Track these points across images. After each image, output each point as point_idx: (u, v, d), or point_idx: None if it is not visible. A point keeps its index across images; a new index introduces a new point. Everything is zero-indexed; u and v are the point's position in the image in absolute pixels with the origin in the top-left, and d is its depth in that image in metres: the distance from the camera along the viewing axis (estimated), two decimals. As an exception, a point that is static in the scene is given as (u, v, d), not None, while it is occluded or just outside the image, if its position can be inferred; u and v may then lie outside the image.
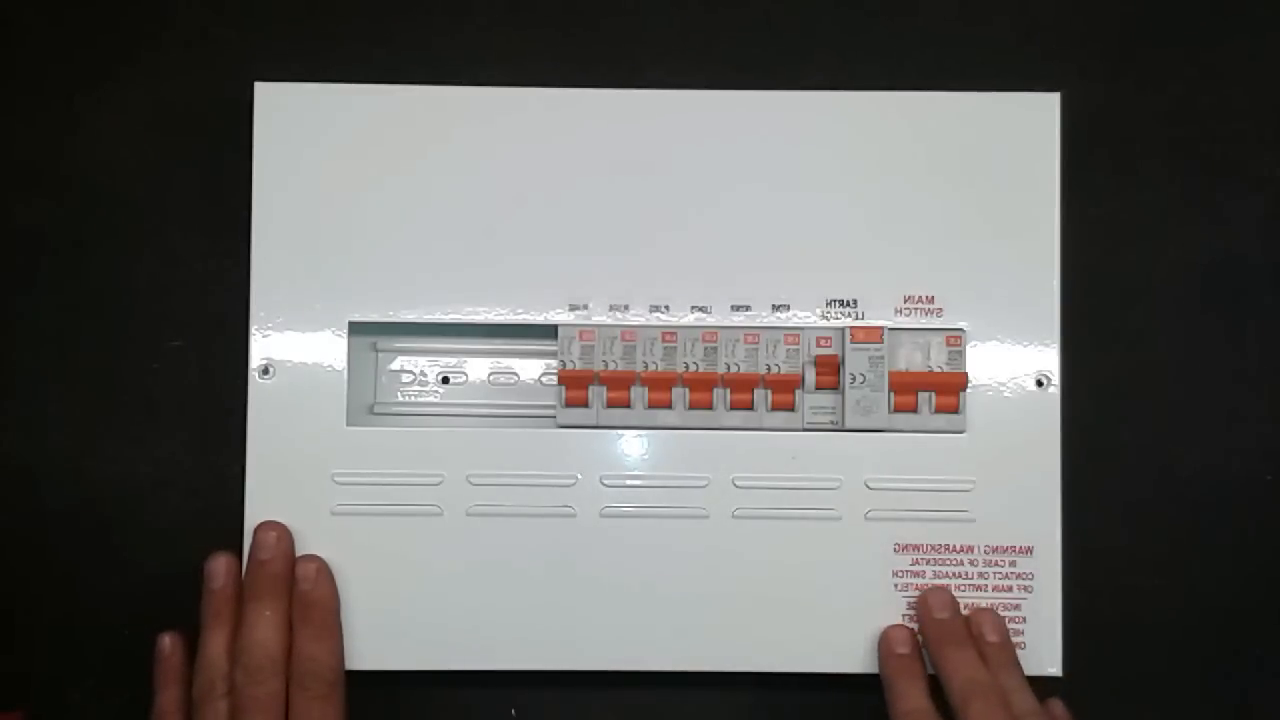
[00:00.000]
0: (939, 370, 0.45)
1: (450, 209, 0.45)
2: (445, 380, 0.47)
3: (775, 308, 0.45)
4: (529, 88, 0.45)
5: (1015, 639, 0.44)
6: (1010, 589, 0.44)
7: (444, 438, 0.45)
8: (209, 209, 0.47)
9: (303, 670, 0.41)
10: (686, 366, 0.45)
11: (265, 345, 0.44)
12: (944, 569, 0.44)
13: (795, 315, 0.45)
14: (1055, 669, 0.44)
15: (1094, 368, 0.47)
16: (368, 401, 0.46)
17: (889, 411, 0.44)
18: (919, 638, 0.44)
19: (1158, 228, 0.48)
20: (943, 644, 0.42)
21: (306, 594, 0.42)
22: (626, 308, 0.45)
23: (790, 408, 0.45)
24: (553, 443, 0.45)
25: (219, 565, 0.43)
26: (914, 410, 0.45)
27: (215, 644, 0.41)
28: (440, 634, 0.44)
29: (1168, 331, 0.48)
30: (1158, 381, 0.48)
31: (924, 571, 0.44)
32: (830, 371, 0.45)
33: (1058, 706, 0.43)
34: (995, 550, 0.44)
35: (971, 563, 0.44)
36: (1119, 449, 0.47)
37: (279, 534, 0.43)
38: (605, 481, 0.44)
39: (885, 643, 0.43)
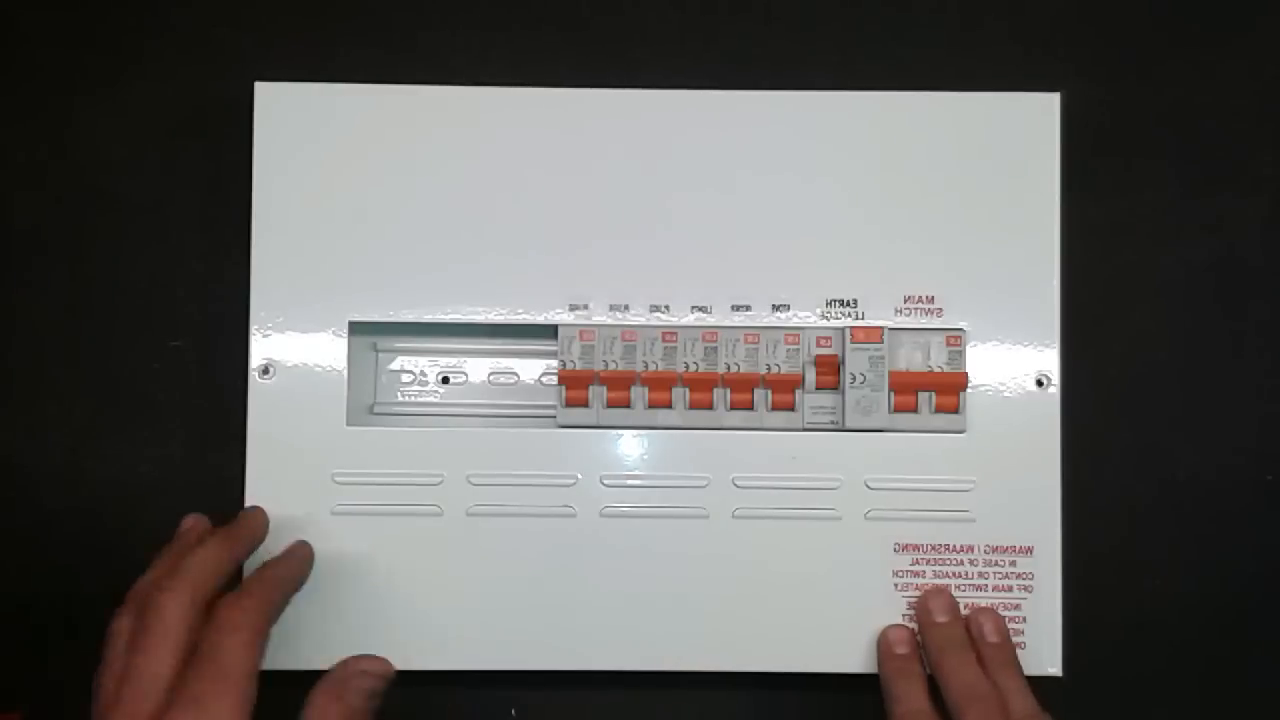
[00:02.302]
0: (939, 370, 0.45)
1: (450, 209, 0.45)
2: (445, 380, 0.47)
3: (775, 308, 0.45)
4: (529, 88, 0.45)
5: (1015, 639, 0.44)
6: (1010, 589, 0.44)
7: (444, 438, 0.45)
8: (209, 209, 0.47)
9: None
10: (686, 366, 0.45)
11: (265, 345, 0.44)
12: (944, 569, 0.44)
13: (795, 315, 0.45)
14: (1055, 669, 0.44)
15: (1094, 368, 0.47)
16: (368, 401, 0.46)
17: (889, 411, 0.44)
18: (918, 638, 0.44)
19: (1158, 228, 0.48)
20: (942, 650, 0.42)
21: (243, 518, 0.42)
22: (626, 308, 0.45)
23: (790, 408, 0.45)
24: (553, 443, 0.45)
25: (189, 521, 0.42)
26: (914, 410, 0.45)
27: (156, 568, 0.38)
28: (440, 634, 0.44)
29: (1168, 331, 0.48)
30: (1158, 382, 0.48)
31: (924, 571, 0.44)
32: (830, 371, 0.45)
33: None
34: (995, 550, 0.44)
35: (971, 563, 0.44)
36: (1119, 449, 0.47)
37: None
38: (605, 481, 0.44)
39: (884, 643, 0.43)
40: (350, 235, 0.44)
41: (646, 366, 0.45)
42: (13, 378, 0.47)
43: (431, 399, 0.47)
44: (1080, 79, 0.47)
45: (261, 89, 0.45)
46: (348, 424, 0.44)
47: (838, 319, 0.45)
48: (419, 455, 0.44)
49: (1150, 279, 0.48)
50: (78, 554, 0.47)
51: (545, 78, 0.46)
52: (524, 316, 0.45)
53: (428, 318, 0.45)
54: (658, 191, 0.45)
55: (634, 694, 0.47)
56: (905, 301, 0.45)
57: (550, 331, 0.45)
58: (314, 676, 0.45)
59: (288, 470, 0.44)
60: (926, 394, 0.45)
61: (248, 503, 0.44)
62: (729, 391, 0.45)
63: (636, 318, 0.45)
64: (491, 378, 0.47)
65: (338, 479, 0.44)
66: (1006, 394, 0.45)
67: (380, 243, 0.44)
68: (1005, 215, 0.45)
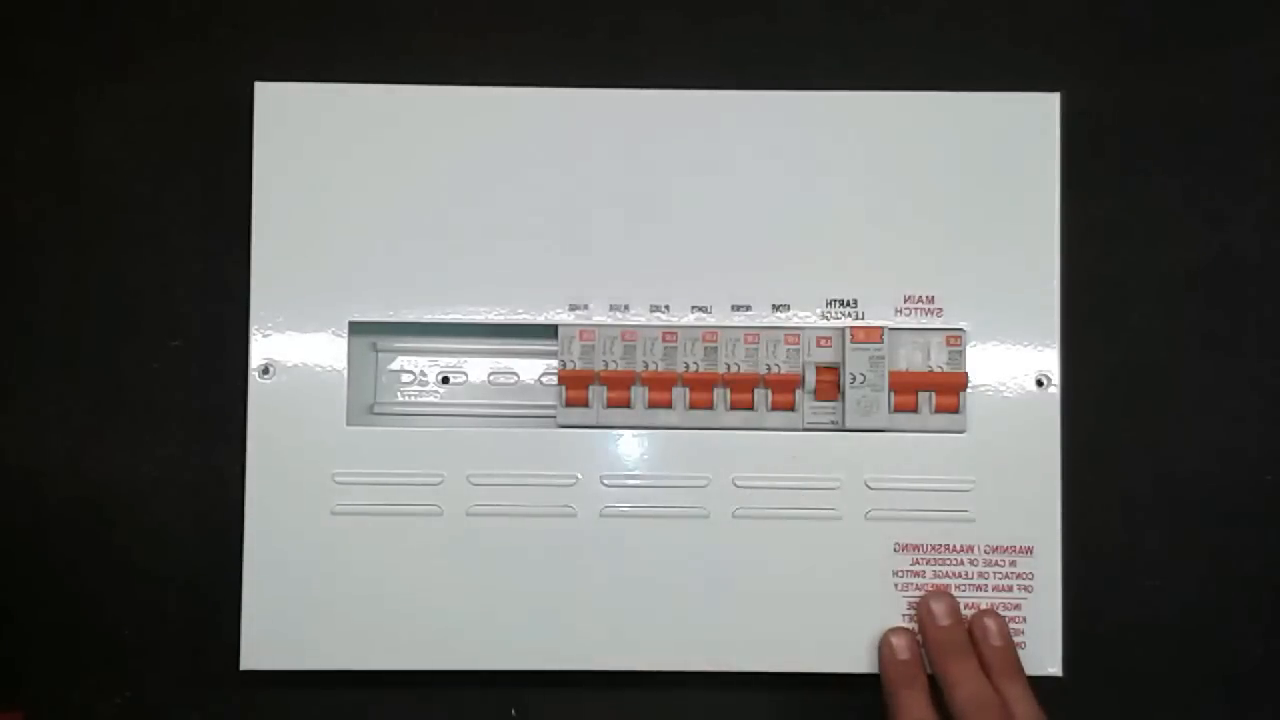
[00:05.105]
0: (939, 370, 0.45)
1: (450, 209, 0.45)
2: (445, 380, 0.47)
3: (775, 308, 0.45)
4: (529, 88, 0.45)
5: (1015, 639, 0.44)
6: (1010, 589, 0.44)
7: (444, 438, 0.45)
8: (209, 209, 0.47)
9: None
10: (686, 366, 0.45)
11: (265, 345, 0.44)
12: (944, 569, 0.44)
13: (795, 315, 0.45)
14: (1055, 669, 0.44)
15: (1094, 368, 0.47)
16: (368, 401, 0.46)
17: (889, 411, 0.44)
18: (918, 639, 0.44)
19: (1158, 228, 0.48)
20: (945, 655, 0.42)
21: None
22: (626, 308, 0.45)
23: (790, 408, 0.45)
24: (553, 443, 0.45)
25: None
26: (914, 410, 0.45)
27: None
28: (440, 634, 0.44)
29: (1168, 331, 0.48)
30: (1158, 382, 0.48)
31: (924, 571, 0.44)
32: (830, 384, 0.45)
33: None
34: (995, 550, 0.44)
35: (971, 563, 0.44)
36: (1119, 449, 0.47)
37: None
38: (605, 481, 0.44)
39: (886, 649, 0.43)
40: (350, 235, 0.44)
41: (646, 366, 0.45)
42: (13, 378, 0.47)
43: (431, 399, 0.47)
44: (1080, 79, 0.47)
45: (261, 89, 0.45)
46: (348, 424, 0.44)
47: (838, 319, 0.45)
48: (419, 455, 0.44)
49: (1150, 279, 0.48)
50: (78, 554, 0.47)
51: (545, 78, 0.46)
52: (524, 316, 0.45)
53: (428, 318, 0.45)
54: (658, 191, 0.45)
55: (634, 694, 0.47)
56: (905, 301, 0.45)
57: (550, 331, 0.45)
58: (314, 676, 0.45)
59: (288, 470, 0.44)
60: (926, 394, 0.45)
61: (248, 503, 0.44)
62: (729, 391, 0.45)
63: (636, 318, 0.45)
64: (491, 378, 0.47)
65: (338, 479, 0.44)
66: (1006, 394, 0.45)
67: (380, 243, 0.44)
68: (1005, 215, 0.45)
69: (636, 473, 0.44)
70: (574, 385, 0.44)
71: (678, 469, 0.44)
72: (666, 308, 0.45)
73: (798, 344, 0.45)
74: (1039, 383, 0.45)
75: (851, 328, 0.44)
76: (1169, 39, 0.48)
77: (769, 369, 0.45)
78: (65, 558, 0.47)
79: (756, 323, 0.45)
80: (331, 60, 0.47)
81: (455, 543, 0.44)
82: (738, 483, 0.44)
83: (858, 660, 0.44)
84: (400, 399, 0.47)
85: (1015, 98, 0.45)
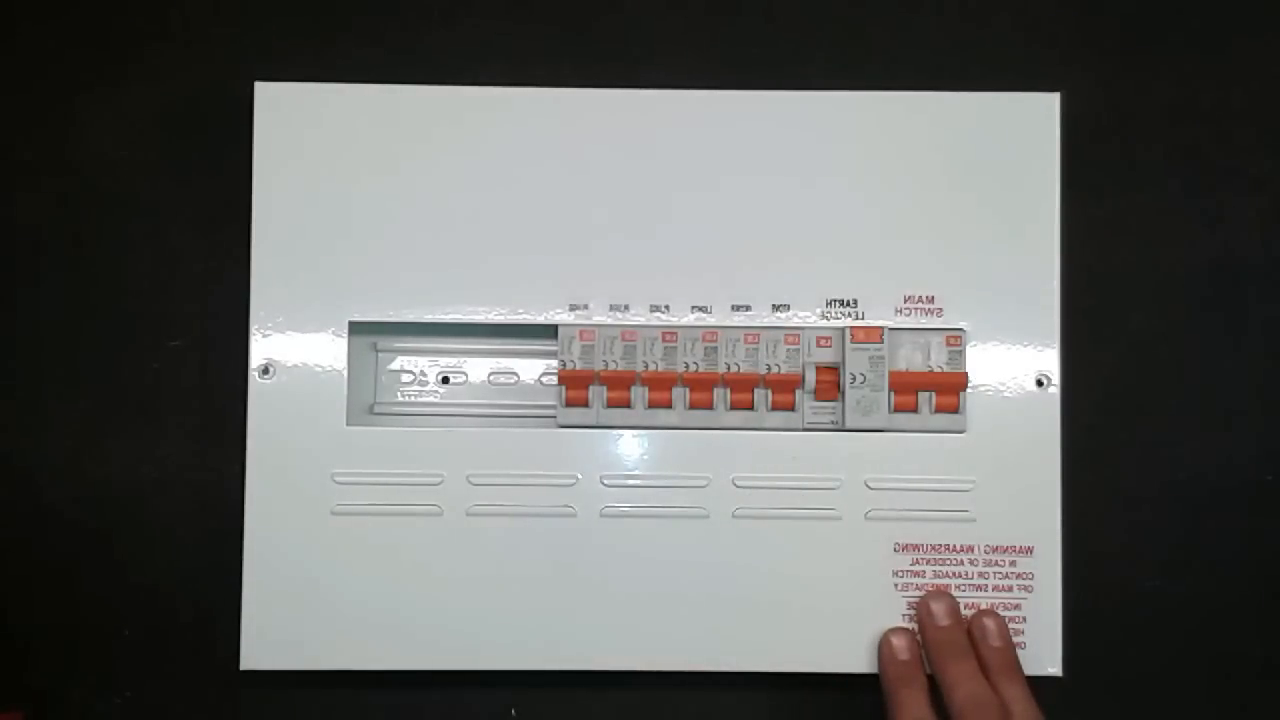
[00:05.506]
0: (939, 370, 0.45)
1: (450, 209, 0.45)
2: (445, 380, 0.47)
3: (775, 308, 0.45)
4: (529, 88, 0.45)
5: (1015, 639, 0.44)
6: (1010, 589, 0.44)
7: (444, 438, 0.45)
8: (209, 209, 0.47)
9: None
10: (686, 366, 0.45)
11: (265, 345, 0.44)
12: (944, 569, 0.44)
13: (795, 315, 0.45)
14: (1055, 669, 0.44)
15: (1094, 368, 0.47)
16: (368, 401, 0.46)
17: (889, 411, 0.44)
18: (918, 639, 0.44)
19: (1158, 228, 0.48)
20: (944, 655, 0.42)
21: None
22: (626, 308, 0.45)
23: (790, 408, 0.45)
24: (553, 443, 0.45)
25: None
26: (914, 410, 0.45)
27: None
28: (440, 634, 0.44)
29: (1168, 331, 0.48)
30: (1157, 381, 0.48)
31: (924, 571, 0.44)
32: (830, 385, 0.45)
33: None
34: (995, 550, 0.44)
35: (971, 563, 0.44)
36: (1119, 449, 0.47)
37: None
38: (605, 481, 0.44)
39: (885, 649, 0.43)
40: (350, 235, 0.44)
41: (646, 366, 0.45)
42: (13, 377, 0.47)
43: (431, 399, 0.47)
44: (1080, 79, 0.47)
45: (261, 89, 0.45)
46: (348, 424, 0.44)
47: (838, 319, 0.45)
48: (419, 455, 0.44)
49: (1150, 279, 0.48)
50: (78, 554, 0.47)
51: (545, 78, 0.46)
52: (524, 316, 0.45)
53: (428, 318, 0.45)
54: (658, 191, 0.45)
55: (634, 694, 0.47)
56: (905, 301, 0.45)
57: (550, 331, 0.45)
58: (314, 676, 0.45)
59: (288, 470, 0.44)
60: (926, 394, 0.45)
61: (248, 503, 0.44)
62: (729, 391, 0.45)
63: (636, 318, 0.45)
64: (491, 378, 0.47)
65: (338, 479, 0.44)
66: (1006, 394, 0.45)
67: (380, 243, 0.44)
68: (1005, 215, 0.45)
69: (636, 473, 0.44)
70: (574, 385, 0.44)
71: (678, 469, 0.44)
72: (666, 308, 0.45)
73: (798, 344, 0.45)
74: (1039, 383, 0.45)
75: (851, 328, 0.44)
76: (1169, 39, 0.48)
77: (769, 369, 0.45)
78: (65, 558, 0.47)
79: (756, 323, 0.45)
80: (331, 60, 0.47)
81: (455, 543, 0.44)
82: (738, 483, 0.44)
83: (858, 660, 0.44)
84: (400, 399, 0.47)
85: (1015, 98, 0.45)
